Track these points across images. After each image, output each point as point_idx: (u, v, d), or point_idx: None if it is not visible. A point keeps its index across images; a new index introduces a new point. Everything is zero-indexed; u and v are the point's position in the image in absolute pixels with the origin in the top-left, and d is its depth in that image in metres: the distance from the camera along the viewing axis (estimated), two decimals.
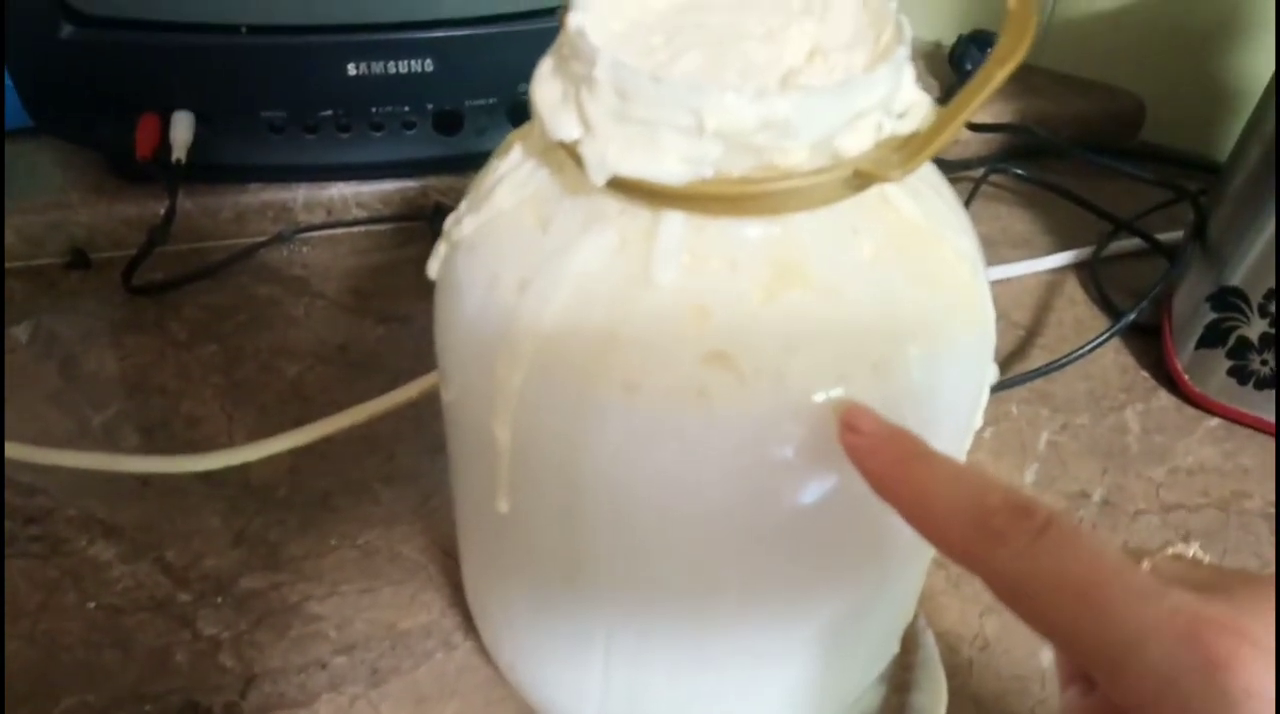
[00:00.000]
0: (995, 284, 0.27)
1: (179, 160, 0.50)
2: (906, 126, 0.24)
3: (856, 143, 0.23)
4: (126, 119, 0.51)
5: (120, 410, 0.47)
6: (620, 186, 0.23)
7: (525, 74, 0.53)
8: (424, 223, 0.58)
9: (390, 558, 0.42)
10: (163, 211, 0.52)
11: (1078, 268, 0.58)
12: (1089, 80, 0.68)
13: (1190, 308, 0.50)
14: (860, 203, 0.24)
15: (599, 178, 0.23)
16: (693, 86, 0.22)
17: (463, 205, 0.29)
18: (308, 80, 0.51)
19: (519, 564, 0.30)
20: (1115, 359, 0.53)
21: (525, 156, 0.27)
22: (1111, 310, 0.55)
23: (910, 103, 0.24)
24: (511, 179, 0.27)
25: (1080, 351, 0.50)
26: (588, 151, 0.23)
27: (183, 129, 0.50)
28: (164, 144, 0.50)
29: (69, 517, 0.42)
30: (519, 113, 0.56)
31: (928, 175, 0.27)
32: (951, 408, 0.27)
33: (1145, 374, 0.52)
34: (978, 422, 0.28)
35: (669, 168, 0.22)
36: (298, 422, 0.47)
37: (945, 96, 0.68)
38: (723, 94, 0.22)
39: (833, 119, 0.22)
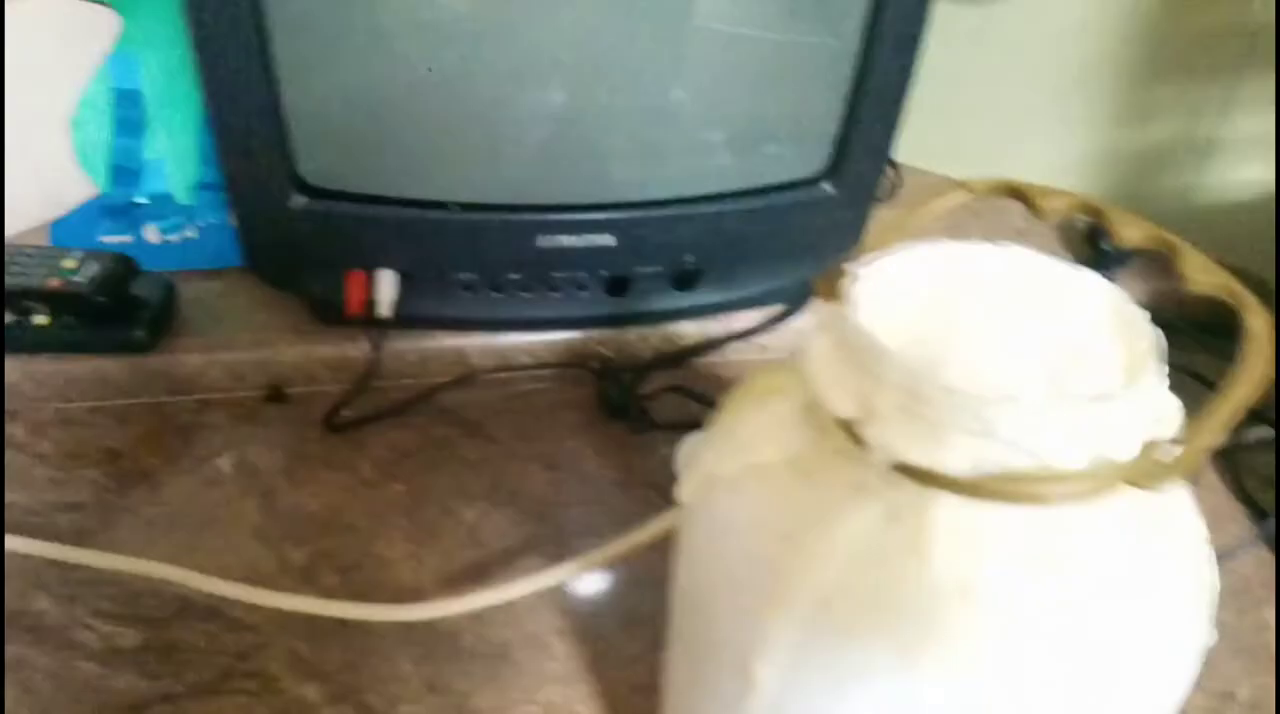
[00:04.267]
0: None
1: (384, 317, 0.55)
2: (1162, 431, 0.27)
3: (1125, 449, 0.26)
4: (334, 273, 0.56)
5: (317, 549, 0.51)
6: (898, 466, 0.26)
7: (690, 247, 0.59)
8: (584, 370, 0.62)
9: None
10: (357, 355, 0.57)
11: (1215, 457, 0.60)
12: (1220, 262, 0.71)
13: None
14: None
15: (879, 458, 0.26)
16: (984, 398, 0.25)
17: (719, 441, 0.32)
18: (501, 250, 0.56)
19: None
20: (1254, 553, 0.54)
21: (787, 411, 0.30)
22: (1247, 499, 0.57)
23: (1164, 408, 0.27)
24: (775, 433, 0.30)
25: (1230, 553, 0.52)
26: (871, 435, 0.26)
27: (388, 287, 0.55)
28: (369, 299, 0.55)
29: (277, 654, 0.46)
30: (681, 279, 0.60)
31: None
32: (1180, 676, 0.29)
33: None
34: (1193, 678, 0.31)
35: (955, 463, 0.26)
36: (477, 569, 0.50)
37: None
38: (1018, 408, 0.25)
39: (1110, 430, 0.25)
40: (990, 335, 0.28)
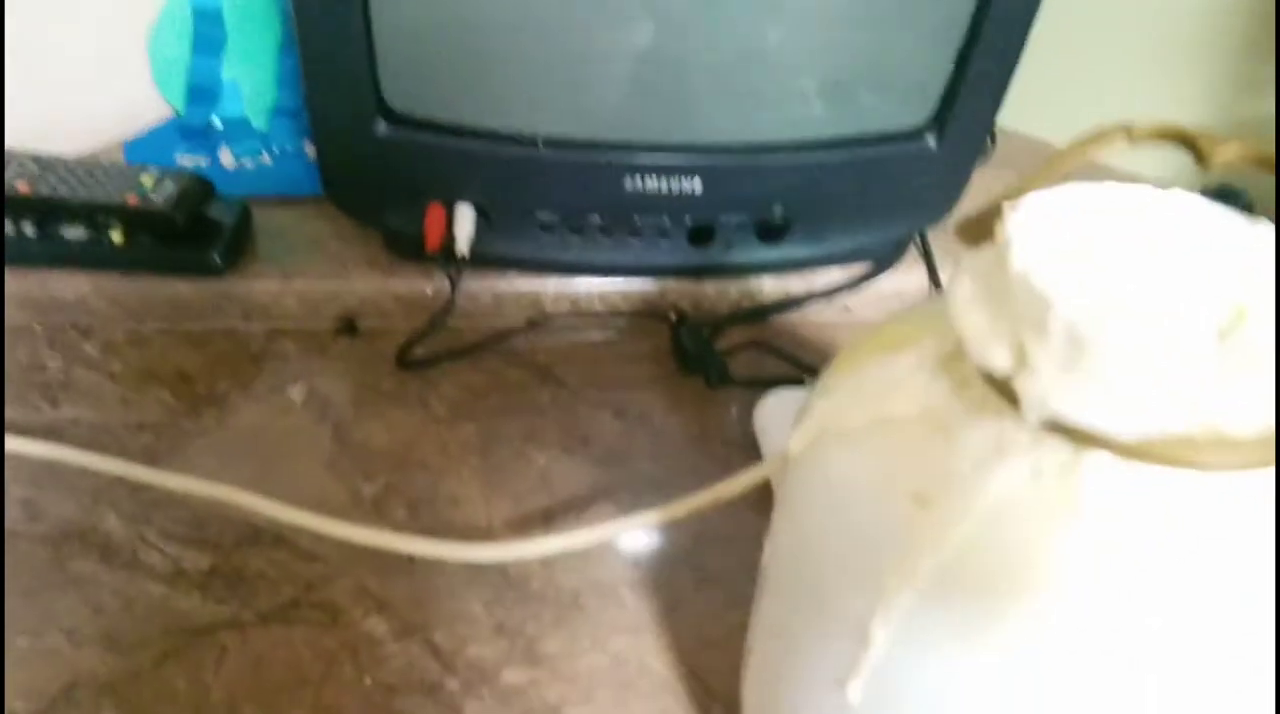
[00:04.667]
0: None
1: (463, 255, 0.53)
2: None
3: None
4: (413, 207, 0.54)
5: (388, 483, 0.50)
6: (1051, 424, 0.25)
7: (780, 197, 0.56)
8: (658, 321, 0.60)
9: (640, 670, 0.43)
10: (431, 292, 0.55)
11: None
12: None
13: None
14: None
15: (1034, 416, 0.25)
16: (1155, 352, 0.23)
17: (840, 392, 0.30)
18: (585, 190, 0.54)
19: None
20: None
21: (922, 362, 0.28)
22: None
23: None
24: (909, 383, 0.28)
25: None
26: (1026, 390, 0.25)
27: (467, 224, 0.54)
28: (447, 235, 0.54)
29: (345, 586, 0.45)
30: (767, 231, 0.58)
31: None
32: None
33: None
34: None
35: (1119, 423, 0.24)
36: (546, 514, 0.49)
37: None
38: (1194, 365, 0.23)
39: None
40: (1155, 286, 0.26)
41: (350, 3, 0.47)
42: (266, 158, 0.63)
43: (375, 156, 0.52)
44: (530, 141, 0.52)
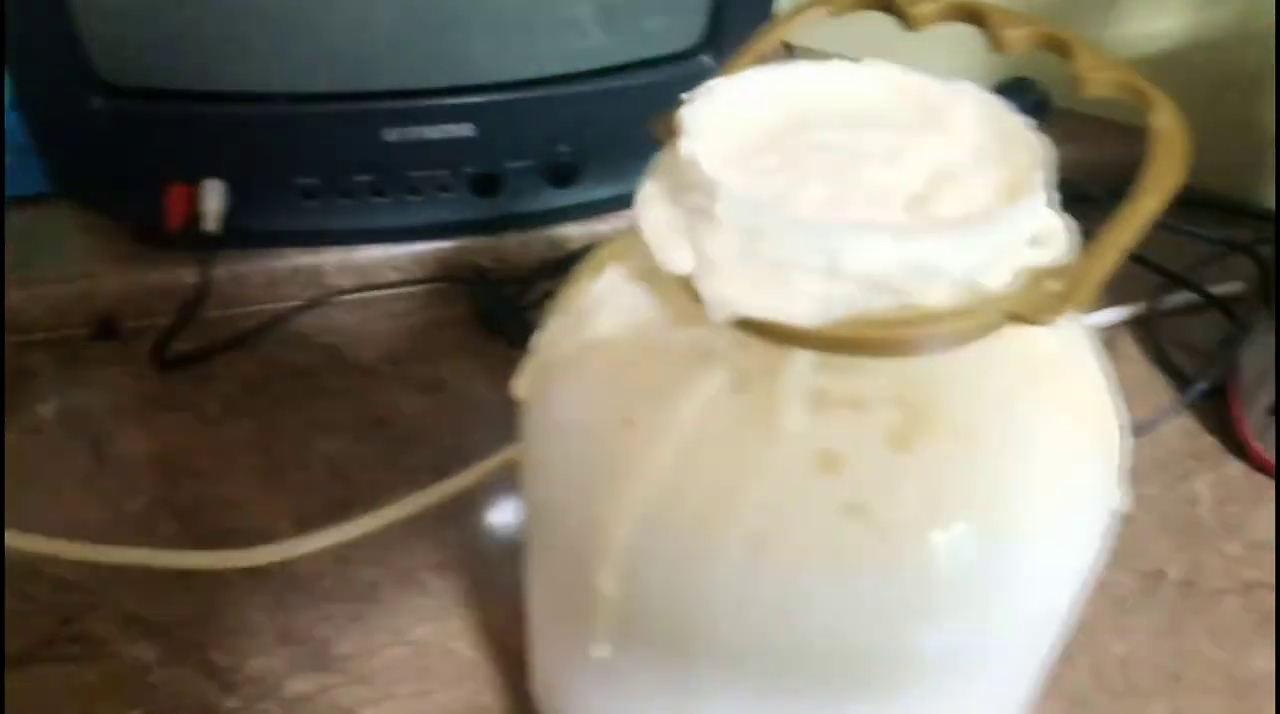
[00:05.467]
0: None
1: (211, 232, 0.48)
2: (1045, 256, 0.22)
3: (998, 277, 0.21)
4: (154, 188, 0.49)
5: (155, 496, 0.45)
6: (741, 323, 0.22)
7: (564, 136, 0.52)
8: (460, 285, 0.56)
9: (443, 655, 0.40)
10: (192, 281, 0.50)
11: (1132, 324, 0.57)
12: (1129, 125, 0.67)
13: (1257, 369, 0.49)
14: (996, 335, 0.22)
15: (719, 316, 0.22)
16: (828, 227, 0.20)
17: (554, 322, 0.27)
18: (343, 147, 0.50)
19: (613, 698, 0.28)
20: (1179, 422, 0.51)
21: (626, 279, 0.25)
22: (1171, 369, 0.54)
23: (1048, 230, 0.22)
24: (612, 303, 0.25)
25: (1152, 422, 0.49)
26: (706, 288, 0.22)
27: (214, 199, 0.48)
28: (194, 214, 0.49)
29: (107, 615, 0.40)
30: (557, 174, 0.54)
31: None
32: (1085, 539, 0.25)
33: (1213, 439, 0.50)
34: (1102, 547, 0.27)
35: (800, 309, 0.21)
36: (340, 504, 0.45)
37: None
38: (862, 235, 0.20)
39: (977, 257, 0.21)
40: (847, 165, 0.23)
41: None
42: (8, 156, 0.56)
43: (96, 136, 0.47)
44: (270, 99, 0.47)
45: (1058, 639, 0.27)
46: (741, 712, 0.25)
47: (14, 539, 0.42)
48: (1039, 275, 0.21)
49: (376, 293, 0.56)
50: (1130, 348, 0.56)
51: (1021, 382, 0.23)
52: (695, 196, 0.22)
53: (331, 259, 0.54)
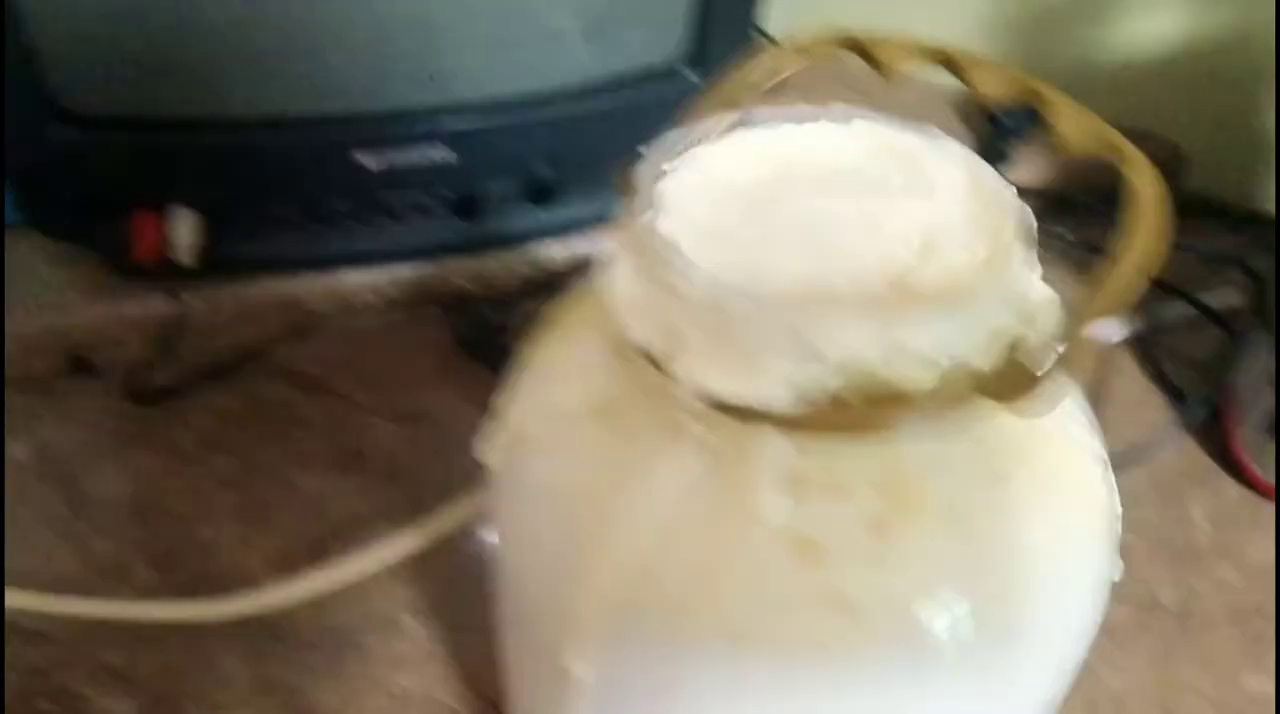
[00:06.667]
0: None
1: (182, 263, 0.47)
2: (1030, 327, 0.21)
3: (981, 355, 0.20)
4: (124, 217, 0.47)
5: (130, 540, 0.44)
6: (713, 402, 0.21)
7: (543, 155, 0.51)
8: (440, 308, 0.55)
9: (425, 705, 0.39)
10: (167, 312, 0.49)
11: (1129, 338, 0.56)
12: (1125, 128, 0.66)
13: (1253, 388, 0.48)
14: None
15: (689, 396, 0.21)
16: (803, 310, 0.19)
17: (520, 390, 0.26)
18: (317, 172, 0.48)
19: None
20: (1175, 442, 0.50)
21: (592, 346, 0.24)
22: (1167, 385, 0.53)
23: (1033, 300, 0.21)
24: (578, 373, 0.24)
25: (1146, 444, 0.48)
26: (677, 367, 0.21)
27: (184, 228, 0.47)
28: (164, 243, 0.47)
29: (81, 668, 0.39)
30: (538, 194, 0.53)
31: None
32: (1077, 614, 0.24)
33: (1208, 459, 0.49)
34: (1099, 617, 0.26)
35: (773, 392, 0.20)
36: (318, 545, 0.44)
37: (983, 152, 0.66)
38: (839, 320, 0.19)
39: (959, 335, 0.20)
40: (826, 234, 0.22)
41: None
42: None
43: (59, 165, 0.45)
44: (236, 126, 0.46)
45: (1057, 700, 0.27)
46: None
47: None
48: (1021, 353, 0.20)
49: (355, 319, 0.54)
50: (1127, 362, 0.55)
51: (1009, 458, 0.22)
52: (664, 272, 0.21)
53: (309, 286, 0.53)
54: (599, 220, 0.56)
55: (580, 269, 0.57)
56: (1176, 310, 0.57)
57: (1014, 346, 0.20)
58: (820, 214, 0.22)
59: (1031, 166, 0.61)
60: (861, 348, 0.19)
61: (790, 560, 0.21)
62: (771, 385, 0.20)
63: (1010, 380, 0.20)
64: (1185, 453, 0.50)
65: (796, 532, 0.21)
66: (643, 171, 0.23)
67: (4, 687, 0.38)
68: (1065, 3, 0.66)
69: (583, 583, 0.22)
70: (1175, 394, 0.52)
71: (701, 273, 0.20)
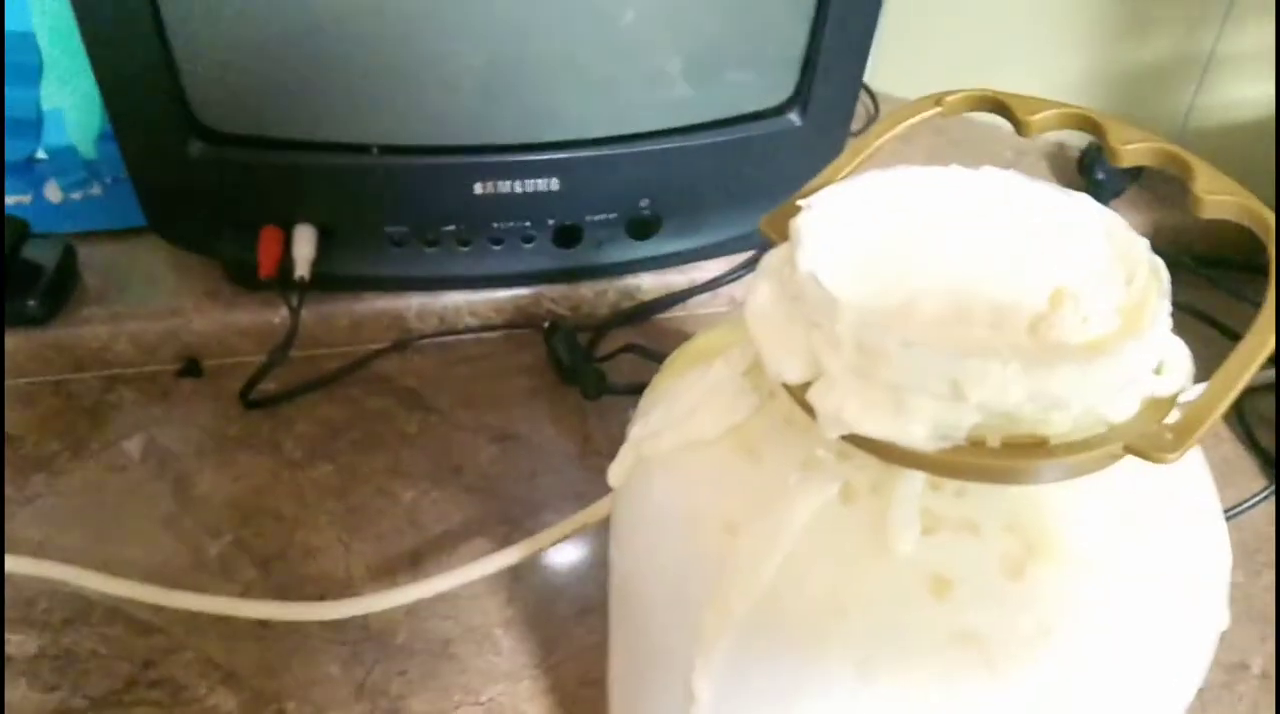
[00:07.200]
0: None
1: (302, 278, 0.49)
2: (1166, 387, 0.22)
3: (1120, 409, 0.21)
4: (247, 231, 0.50)
5: (236, 538, 0.46)
6: (853, 438, 0.21)
7: (645, 190, 0.53)
8: (535, 330, 0.56)
9: None
10: (278, 322, 0.51)
11: None
12: None
13: None
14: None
15: (832, 431, 0.21)
16: (951, 355, 0.20)
17: (654, 413, 0.27)
18: (433, 198, 0.50)
19: None
20: (1264, 506, 0.50)
21: (728, 376, 0.25)
22: (1257, 449, 0.52)
23: (1170, 359, 0.22)
24: (715, 402, 0.25)
25: (1237, 510, 0.47)
26: (821, 403, 0.21)
27: (306, 245, 0.49)
28: (286, 258, 0.50)
29: (187, 660, 0.41)
30: (638, 227, 0.54)
31: None
32: (1193, 662, 0.24)
33: None
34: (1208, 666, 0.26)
35: (917, 432, 0.21)
36: (414, 555, 0.45)
37: None
38: (986, 364, 0.20)
39: (1101, 388, 0.20)
40: (963, 279, 0.23)
41: (139, 19, 0.43)
42: (97, 188, 0.58)
43: (195, 179, 0.48)
44: (365, 151, 0.48)
45: None
46: None
47: (94, 580, 0.42)
48: (1158, 408, 0.21)
49: (455, 337, 0.56)
50: (1218, 425, 0.54)
51: (1137, 510, 0.22)
52: (812, 309, 0.22)
53: (413, 304, 0.55)
54: (693, 254, 0.57)
55: (671, 300, 0.58)
56: (1267, 373, 0.56)
57: (1149, 399, 0.21)
58: (956, 258, 0.23)
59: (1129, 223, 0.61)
60: (1004, 392, 0.20)
61: (921, 594, 0.21)
62: (915, 425, 0.20)
63: (1144, 432, 0.20)
64: (1274, 518, 0.49)
65: (929, 567, 0.21)
66: (791, 211, 0.24)
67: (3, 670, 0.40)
68: (1169, 64, 0.66)
69: (716, 606, 0.23)
70: (1265, 457, 0.51)
71: (849, 310, 0.21)
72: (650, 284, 0.58)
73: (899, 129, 0.27)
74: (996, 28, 0.69)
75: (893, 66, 0.68)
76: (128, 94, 0.46)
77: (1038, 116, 0.25)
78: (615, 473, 0.28)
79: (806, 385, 0.22)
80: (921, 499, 0.22)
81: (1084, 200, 0.24)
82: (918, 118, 0.27)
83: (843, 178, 0.26)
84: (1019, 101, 0.26)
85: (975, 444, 0.20)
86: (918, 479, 0.22)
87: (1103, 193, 0.60)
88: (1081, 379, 0.20)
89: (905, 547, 0.21)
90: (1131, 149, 0.24)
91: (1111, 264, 0.23)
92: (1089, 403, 0.20)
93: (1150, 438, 0.20)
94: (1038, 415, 0.20)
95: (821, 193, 0.25)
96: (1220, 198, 0.23)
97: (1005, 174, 0.25)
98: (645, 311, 0.58)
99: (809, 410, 0.22)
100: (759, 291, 0.24)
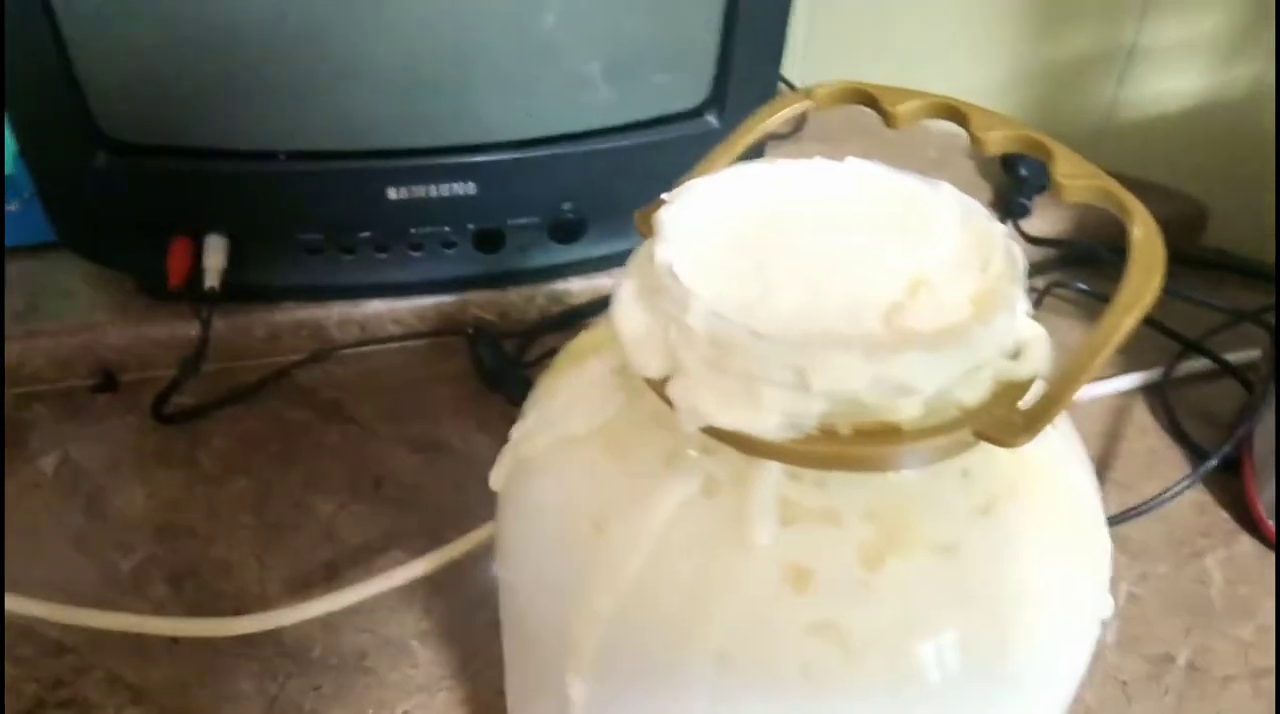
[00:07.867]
0: None
1: (213, 288, 0.48)
2: (1022, 369, 0.21)
3: (972, 393, 0.21)
4: (158, 242, 0.49)
5: (148, 555, 0.45)
6: (712, 431, 0.21)
7: (567, 193, 0.52)
8: (461, 337, 0.56)
9: None
10: (195, 334, 0.50)
11: (1145, 391, 0.56)
12: (1148, 183, 0.66)
13: (1270, 443, 0.48)
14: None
15: (690, 424, 0.21)
16: (797, 343, 0.20)
17: (530, 416, 0.27)
18: (346, 204, 0.50)
19: None
20: (1191, 496, 0.50)
21: (601, 375, 0.25)
22: (1184, 440, 0.52)
23: (1025, 340, 0.22)
24: (588, 399, 0.25)
25: (1162, 499, 0.47)
26: (678, 396, 0.21)
27: (217, 255, 0.49)
28: (196, 269, 0.49)
29: (97, 679, 0.40)
30: (561, 231, 0.54)
31: None
32: (1068, 650, 0.24)
33: (1224, 514, 0.49)
34: (1090, 655, 0.26)
35: (769, 423, 0.20)
36: (331, 569, 0.45)
37: (998, 202, 0.66)
38: (830, 353, 0.20)
39: (951, 373, 0.20)
40: (822, 271, 0.22)
41: (37, 33, 0.42)
42: (15, 205, 0.57)
43: (100, 191, 0.47)
44: (272, 158, 0.47)
45: None
46: None
47: (5, 601, 0.41)
48: (1012, 393, 0.21)
49: (377, 347, 0.56)
50: (1144, 416, 0.54)
51: (1001, 493, 0.22)
52: (669, 302, 0.21)
53: (333, 313, 0.54)
54: (620, 258, 0.57)
55: (599, 305, 0.58)
56: (1195, 365, 0.57)
57: (1001, 382, 0.21)
58: (816, 249, 0.23)
59: (1051, 218, 0.62)
60: (851, 380, 0.20)
61: (781, 586, 0.21)
62: (767, 415, 0.20)
63: (996, 415, 0.20)
64: (1201, 507, 0.49)
65: (788, 558, 0.21)
66: (656, 209, 0.24)
67: (3, 688, 0.39)
68: (1090, 61, 0.67)
69: (580, 604, 0.23)
70: (1193, 448, 0.52)
71: (700, 302, 0.20)
72: (579, 288, 0.58)
73: (769, 123, 0.27)
74: (924, 25, 0.70)
75: (822, 69, 0.69)
76: (30, 108, 0.45)
77: (903, 107, 0.25)
78: (496, 475, 0.27)
79: (662, 380, 0.22)
80: (782, 490, 0.21)
81: (945, 188, 0.24)
82: (788, 110, 0.27)
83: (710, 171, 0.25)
84: (885, 93, 0.26)
85: (827, 432, 0.20)
86: (774, 470, 0.21)
87: (1026, 188, 0.61)
88: (929, 364, 0.20)
89: (763, 538, 0.21)
90: (994, 137, 0.24)
91: (969, 252, 0.23)
92: (939, 387, 0.20)
93: (999, 423, 0.20)
94: (884, 402, 0.20)
95: (685, 186, 0.24)
96: (1080, 182, 0.23)
97: (869, 165, 0.25)
98: (574, 316, 0.58)
99: (670, 403, 0.21)
100: (624, 287, 0.24)
